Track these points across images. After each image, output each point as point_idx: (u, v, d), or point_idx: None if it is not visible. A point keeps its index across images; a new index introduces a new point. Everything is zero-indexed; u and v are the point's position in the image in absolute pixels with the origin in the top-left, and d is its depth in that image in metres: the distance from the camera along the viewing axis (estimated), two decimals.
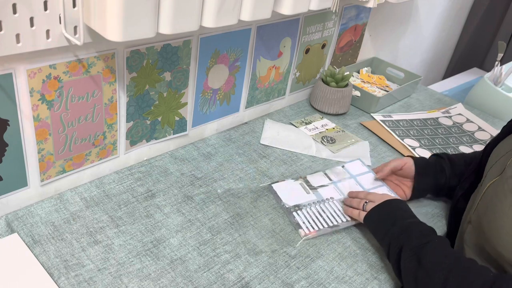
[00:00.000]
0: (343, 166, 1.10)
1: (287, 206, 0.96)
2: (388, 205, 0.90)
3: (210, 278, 0.81)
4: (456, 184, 1.01)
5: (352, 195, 1.00)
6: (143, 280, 0.78)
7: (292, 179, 1.04)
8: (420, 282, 0.76)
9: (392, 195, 1.00)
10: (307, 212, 0.95)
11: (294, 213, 0.94)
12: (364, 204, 0.93)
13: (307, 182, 1.04)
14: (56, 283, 0.75)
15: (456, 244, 0.92)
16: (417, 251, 0.79)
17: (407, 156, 1.07)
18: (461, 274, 0.73)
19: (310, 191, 1.01)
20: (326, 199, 0.99)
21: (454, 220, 0.97)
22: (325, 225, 0.93)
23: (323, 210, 0.96)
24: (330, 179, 1.05)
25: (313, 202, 0.98)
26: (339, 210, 0.97)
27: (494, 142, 0.94)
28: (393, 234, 0.84)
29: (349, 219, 0.95)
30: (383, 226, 0.87)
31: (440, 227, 1.01)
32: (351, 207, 0.96)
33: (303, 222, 0.93)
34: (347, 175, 1.07)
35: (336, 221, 0.94)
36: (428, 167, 1.02)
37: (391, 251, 0.84)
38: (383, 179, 1.06)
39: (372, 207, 0.91)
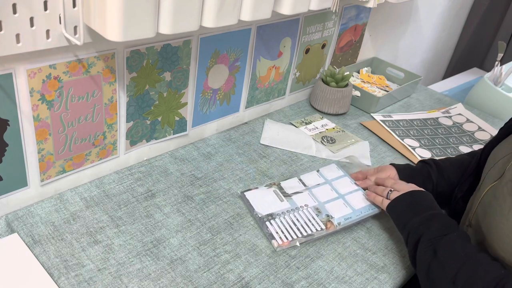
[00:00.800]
0: (318, 171, 1.07)
1: (259, 216, 0.93)
2: (413, 195, 0.90)
3: (210, 278, 0.81)
4: (445, 189, 1.00)
5: (378, 181, 0.99)
6: (143, 280, 0.78)
7: (265, 186, 1.01)
8: (432, 273, 0.77)
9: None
10: (281, 221, 0.92)
11: (267, 223, 0.91)
12: (388, 193, 0.93)
13: (281, 189, 1.00)
14: (56, 283, 0.75)
15: None
16: (434, 242, 0.79)
17: (390, 164, 1.05)
18: (472, 268, 0.73)
19: (284, 198, 0.98)
20: (300, 206, 0.96)
21: None
22: (299, 235, 0.90)
23: (297, 219, 0.93)
24: (305, 185, 1.02)
25: (286, 211, 0.94)
26: (313, 218, 0.94)
27: (492, 144, 0.93)
28: (413, 224, 0.84)
29: (323, 227, 0.92)
30: (405, 216, 0.87)
31: None
32: (374, 192, 0.96)
33: (276, 232, 0.90)
34: (322, 180, 1.04)
35: (311, 230, 0.91)
36: (413, 175, 1.01)
37: (410, 239, 0.84)
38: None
39: (396, 196, 0.90)
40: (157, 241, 0.86)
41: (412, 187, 0.92)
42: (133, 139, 1.01)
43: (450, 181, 1.00)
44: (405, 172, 1.02)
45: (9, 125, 0.79)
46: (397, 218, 0.90)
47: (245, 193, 0.99)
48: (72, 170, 0.93)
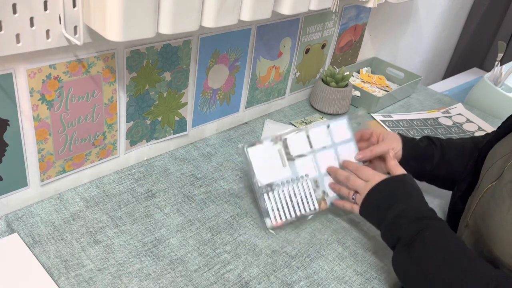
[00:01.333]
0: (328, 127, 1.00)
1: (259, 185, 0.92)
2: (373, 195, 0.87)
3: (210, 278, 0.81)
4: (442, 173, 1.00)
5: (331, 170, 0.96)
6: (143, 280, 0.78)
7: (271, 141, 0.95)
8: (414, 281, 0.76)
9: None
10: (278, 195, 0.93)
11: (265, 195, 0.92)
12: (353, 197, 0.91)
13: (286, 147, 0.95)
14: (56, 283, 0.75)
15: None
16: (409, 248, 0.77)
17: (398, 134, 1.02)
18: (462, 276, 0.71)
19: (287, 162, 0.95)
20: (301, 176, 0.95)
21: (453, 222, 0.97)
22: (293, 215, 0.92)
23: (294, 193, 0.94)
24: (311, 146, 0.98)
25: (286, 181, 0.94)
26: (310, 195, 0.95)
27: (490, 143, 0.93)
28: (384, 233, 0.83)
29: (317, 207, 0.94)
30: (376, 222, 0.86)
31: None
32: (340, 194, 0.95)
33: (272, 209, 0.91)
34: (329, 142, 0.99)
35: (305, 209, 0.93)
36: (416, 152, 1.00)
37: (389, 246, 0.83)
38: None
39: (361, 200, 0.88)
40: (157, 241, 0.86)
41: (369, 184, 0.88)
42: (133, 139, 1.01)
43: (450, 165, 1.00)
44: (410, 149, 1.00)
45: (9, 125, 0.79)
46: (372, 223, 0.88)
47: (248, 148, 0.94)
48: (72, 170, 0.93)
